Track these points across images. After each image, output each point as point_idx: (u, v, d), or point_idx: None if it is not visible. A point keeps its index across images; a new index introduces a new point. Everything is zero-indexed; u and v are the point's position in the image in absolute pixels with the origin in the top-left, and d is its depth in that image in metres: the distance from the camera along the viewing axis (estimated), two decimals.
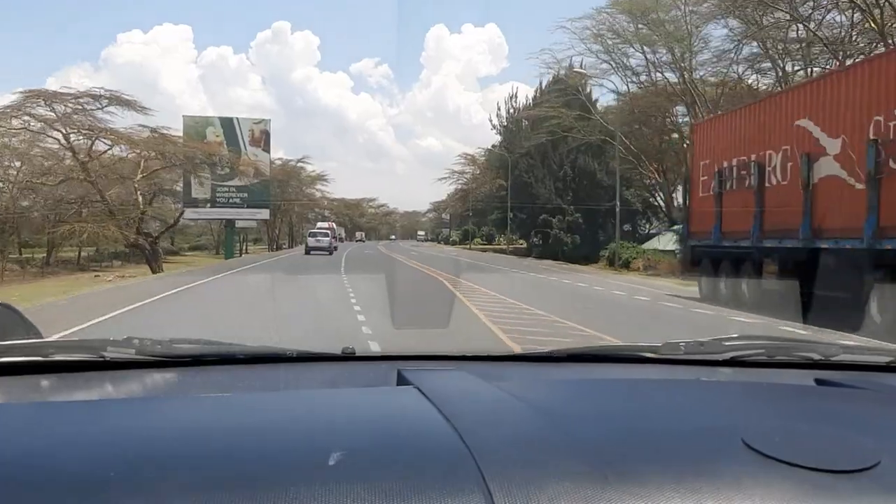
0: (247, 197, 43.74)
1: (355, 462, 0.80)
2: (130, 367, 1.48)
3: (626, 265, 29.76)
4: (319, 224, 55.87)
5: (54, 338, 2.09)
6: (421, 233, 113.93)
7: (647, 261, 28.58)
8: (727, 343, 1.66)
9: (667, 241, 32.09)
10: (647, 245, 33.26)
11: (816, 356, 1.62)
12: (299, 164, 64.15)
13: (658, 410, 1.08)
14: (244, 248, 57.48)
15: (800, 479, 0.75)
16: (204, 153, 38.55)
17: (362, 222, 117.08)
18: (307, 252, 40.42)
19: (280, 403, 1.16)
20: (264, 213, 46.00)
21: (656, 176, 38.37)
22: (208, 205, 43.49)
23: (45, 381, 1.40)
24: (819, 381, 1.37)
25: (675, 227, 32.71)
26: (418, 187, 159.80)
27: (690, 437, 0.91)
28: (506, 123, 48.82)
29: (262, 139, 45.07)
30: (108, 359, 1.45)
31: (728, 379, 1.62)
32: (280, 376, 1.59)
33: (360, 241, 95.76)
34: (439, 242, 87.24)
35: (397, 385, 1.26)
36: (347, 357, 1.67)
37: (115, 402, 1.35)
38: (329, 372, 1.67)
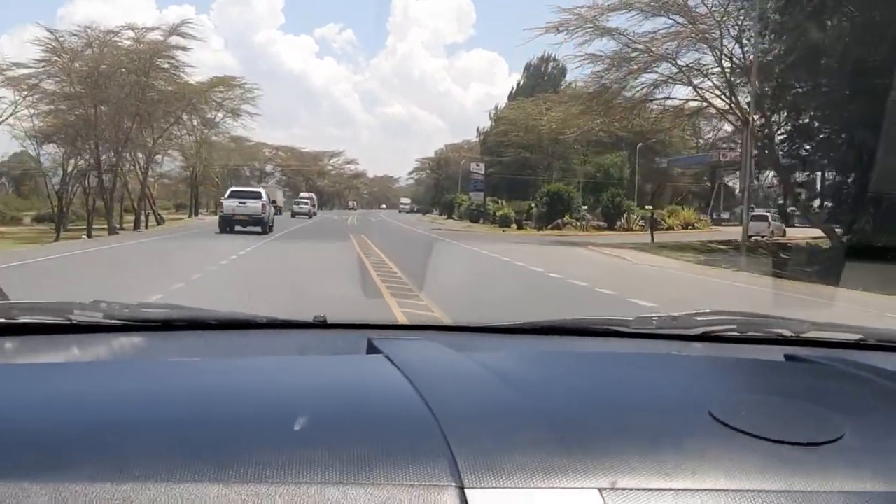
0: None
1: (321, 428, 0.80)
2: (97, 330, 1.47)
3: None
4: (302, 194, 58.02)
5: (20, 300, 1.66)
6: (405, 200, 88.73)
7: None
8: (699, 318, 1.68)
9: None
10: None
11: (787, 332, 1.63)
12: (173, 39, 30.41)
13: (626, 383, 1.09)
14: (152, 216, 34.61)
15: (764, 451, 0.77)
16: None
17: (324, 185, 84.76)
18: (293, 215, 45.18)
19: (249, 369, 1.16)
20: None
21: None
22: None
23: (8, 344, 1.40)
24: (788, 357, 1.35)
25: None
26: (384, 155, 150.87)
27: (657, 409, 0.92)
28: None
29: None
30: (74, 322, 1.45)
31: (698, 353, 1.60)
32: (250, 343, 1.60)
33: (352, 209, 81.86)
34: (461, 219, 50.81)
35: (367, 354, 1.22)
36: (318, 325, 1.67)
37: (81, 364, 1.34)
38: (300, 339, 1.67)
